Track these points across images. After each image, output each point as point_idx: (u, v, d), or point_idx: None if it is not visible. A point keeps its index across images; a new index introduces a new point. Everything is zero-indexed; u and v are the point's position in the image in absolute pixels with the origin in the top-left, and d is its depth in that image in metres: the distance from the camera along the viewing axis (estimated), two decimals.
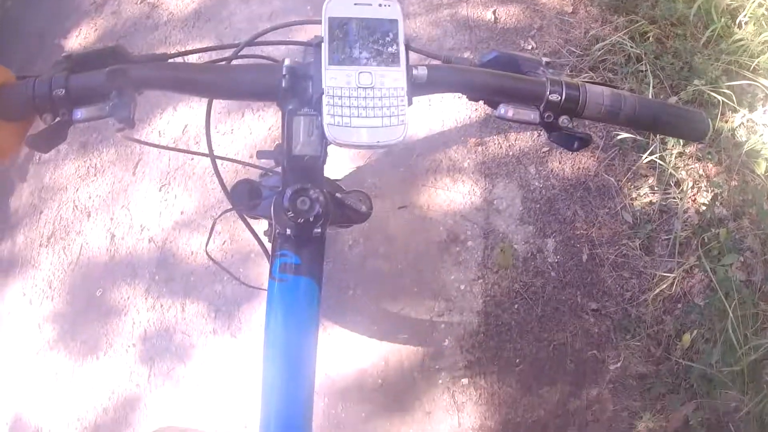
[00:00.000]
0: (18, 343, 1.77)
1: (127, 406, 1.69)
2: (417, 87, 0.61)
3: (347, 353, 1.56)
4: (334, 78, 0.57)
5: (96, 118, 0.59)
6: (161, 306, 1.68)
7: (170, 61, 0.66)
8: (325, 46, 0.58)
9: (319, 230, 0.68)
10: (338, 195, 0.82)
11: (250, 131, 1.71)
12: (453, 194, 1.58)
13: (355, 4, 0.59)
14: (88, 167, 1.81)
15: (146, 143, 0.79)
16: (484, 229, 1.58)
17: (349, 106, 0.57)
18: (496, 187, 1.60)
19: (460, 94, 0.67)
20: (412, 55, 0.62)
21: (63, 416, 1.72)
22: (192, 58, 0.81)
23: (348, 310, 1.57)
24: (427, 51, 0.73)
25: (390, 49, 0.59)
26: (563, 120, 0.63)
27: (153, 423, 1.67)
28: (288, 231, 0.67)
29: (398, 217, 1.57)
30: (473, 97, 0.68)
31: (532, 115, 0.63)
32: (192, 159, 1.72)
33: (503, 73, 0.64)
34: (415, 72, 0.60)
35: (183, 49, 0.75)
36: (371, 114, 0.57)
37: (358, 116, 0.57)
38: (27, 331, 1.76)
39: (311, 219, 0.65)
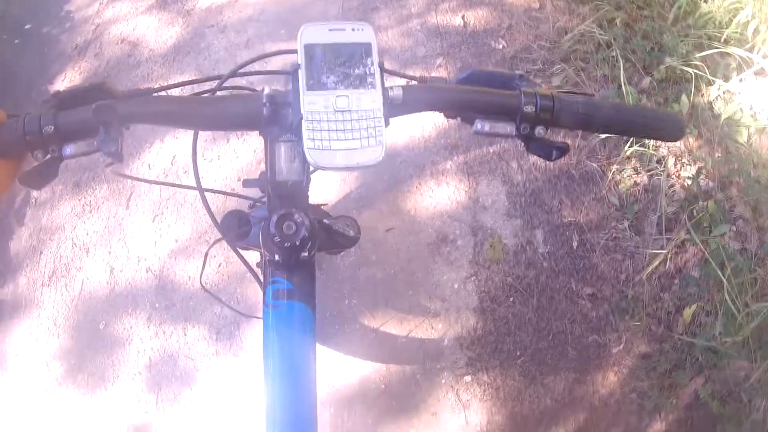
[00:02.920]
0: (27, 383, 1.80)
1: None
2: (393, 108, 0.62)
3: (348, 362, 1.58)
4: (312, 103, 0.58)
5: (85, 153, 0.60)
6: (163, 333, 1.71)
7: (155, 95, 0.67)
8: (302, 73, 0.59)
9: (307, 254, 0.69)
10: (325, 221, 0.83)
11: (236, 155, 1.75)
12: (438, 196, 1.61)
13: (330, 30, 0.61)
14: (83, 205, 1.85)
15: (136, 178, 0.82)
16: (472, 226, 1.60)
17: (328, 130, 0.58)
18: (480, 185, 1.62)
19: (436, 113, 0.68)
20: (389, 78, 0.64)
21: None
22: (176, 92, 0.82)
23: (345, 319, 1.59)
24: (402, 73, 0.74)
25: (365, 72, 0.60)
26: (539, 131, 0.63)
27: None
28: (277, 257, 0.69)
29: (387, 222, 1.60)
30: (450, 115, 0.69)
31: (509, 128, 0.64)
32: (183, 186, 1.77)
33: (477, 89, 0.65)
34: (390, 93, 0.61)
35: (166, 83, 0.77)
36: (350, 136, 0.58)
37: (337, 139, 0.57)
38: (35, 369, 1.80)
39: (298, 243, 0.66)
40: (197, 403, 1.66)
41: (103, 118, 0.57)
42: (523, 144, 0.66)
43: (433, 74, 1.80)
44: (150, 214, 1.78)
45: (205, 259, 1.10)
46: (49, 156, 0.59)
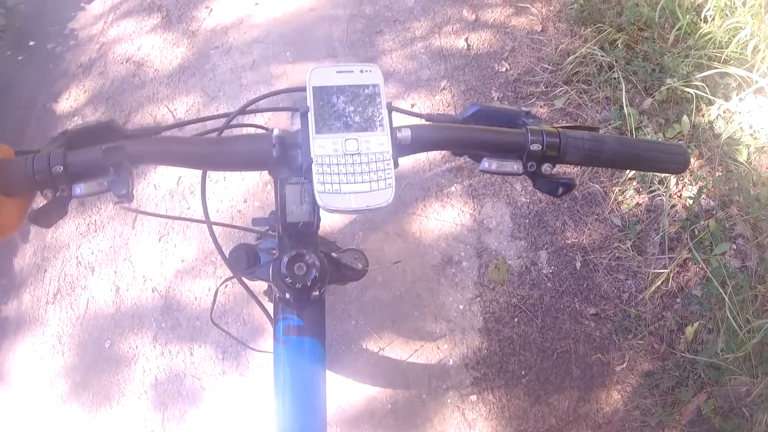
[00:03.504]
0: (31, 400, 1.81)
1: None
2: (402, 148, 0.62)
3: (355, 382, 1.60)
4: (321, 146, 0.58)
5: (95, 193, 0.60)
6: (169, 352, 1.72)
7: (164, 134, 0.68)
8: (311, 116, 0.59)
9: (318, 293, 0.70)
10: (334, 254, 0.83)
11: (242, 177, 1.77)
12: (443, 218, 1.63)
13: (338, 72, 0.61)
14: (88, 224, 1.86)
15: (144, 213, 0.82)
16: (477, 248, 1.62)
17: (338, 173, 0.58)
18: (485, 207, 1.64)
19: (444, 151, 0.69)
20: (396, 116, 0.65)
21: None
22: (185, 128, 0.82)
23: (352, 340, 1.61)
24: (410, 111, 0.75)
25: (373, 113, 0.60)
26: (546, 168, 0.64)
27: None
28: (288, 295, 0.69)
29: (393, 244, 1.61)
30: (457, 153, 0.70)
31: (516, 166, 0.64)
32: (188, 208, 1.78)
33: (484, 127, 0.66)
34: (399, 135, 0.61)
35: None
36: (359, 179, 0.58)
37: (347, 182, 0.57)
38: (39, 387, 1.80)
39: (309, 283, 0.67)
40: (203, 423, 1.67)
41: (113, 160, 0.58)
42: (529, 180, 0.67)
43: (437, 97, 1.82)
44: (156, 234, 1.79)
45: (215, 297, 1.10)
46: (58, 195, 0.59)
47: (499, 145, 0.64)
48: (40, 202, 0.61)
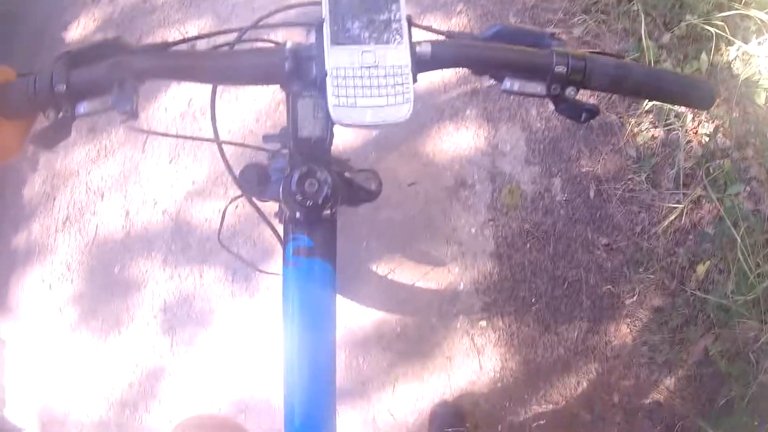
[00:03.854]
0: (41, 329, 1.79)
1: (152, 378, 1.72)
2: (421, 64, 0.59)
3: (365, 304, 1.58)
4: (337, 59, 0.56)
5: (99, 111, 0.58)
6: (179, 275, 1.70)
7: (172, 49, 0.65)
8: (326, 27, 0.57)
9: (329, 212, 0.67)
10: (347, 174, 0.80)
11: (254, 98, 1.74)
12: (458, 141, 1.60)
13: None
14: (98, 150, 1.84)
15: (152, 132, 0.79)
16: (491, 171, 1.60)
17: (354, 86, 0.56)
18: (500, 131, 1.62)
19: (464, 69, 0.66)
20: (416, 32, 0.61)
21: (89, 397, 1.74)
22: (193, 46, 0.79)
23: (362, 262, 1.59)
24: (430, 27, 0.72)
25: (392, 26, 0.58)
26: (570, 92, 0.62)
27: (178, 392, 1.69)
28: (298, 214, 0.67)
29: (406, 165, 1.59)
30: (478, 72, 0.67)
31: (539, 87, 0.62)
32: (200, 130, 1.75)
33: (508, 46, 0.63)
34: (418, 49, 0.59)
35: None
36: (376, 93, 0.56)
37: (362, 96, 0.56)
38: (49, 315, 1.78)
39: (320, 201, 0.64)
40: (212, 346, 1.66)
41: (118, 75, 0.56)
42: (551, 103, 0.64)
43: (453, 20, 1.79)
44: (167, 157, 1.76)
45: (223, 217, 1.09)
46: (61, 115, 0.57)
47: (523, 65, 0.62)
48: (43, 124, 0.58)
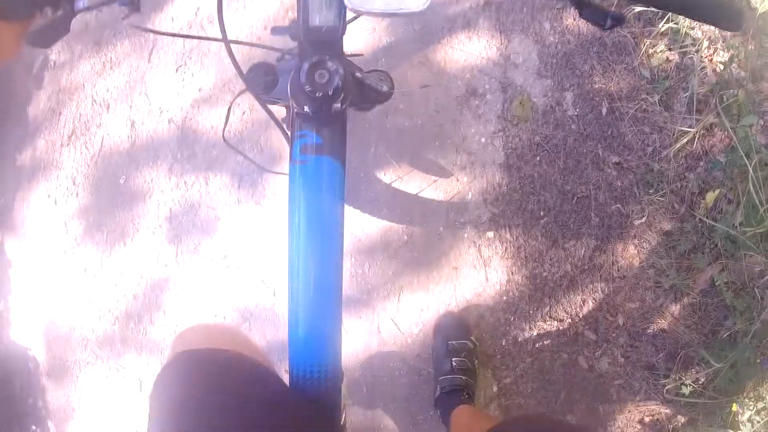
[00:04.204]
0: (46, 245, 1.78)
1: (157, 289, 1.71)
2: None
3: (372, 211, 1.57)
4: None
5: (99, 4, 0.56)
6: (185, 183, 1.69)
7: None
8: None
9: (339, 106, 0.64)
10: (358, 74, 0.78)
11: (262, 3, 1.72)
12: (469, 50, 1.59)
13: None
14: (103, 62, 1.83)
15: (155, 32, 0.75)
16: (502, 82, 1.59)
17: None
18: (512, 43, 1.60)
19: None
20: None
21: (93, 312, 1.74)
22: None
23: (370, 168, 1.58)
24: None
25: None
26: None
27: (182, 302, 1.69)
28: (306, 108, 0.64)
29: (417, 72, 1.58)
30: None
31: None
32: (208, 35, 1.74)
33: None
34: None
35: None
36: None
37: None
38: (54, 231, 1.77)
39: (330, 93, 0.62)
40: (218, 254, 1.66)
41: None
42: (574, 9, 0.61)
43: None
44: (173, 66, 1.74)
45: (229, 113, 1.07)
46: (60, 12, 0.55)
47: None
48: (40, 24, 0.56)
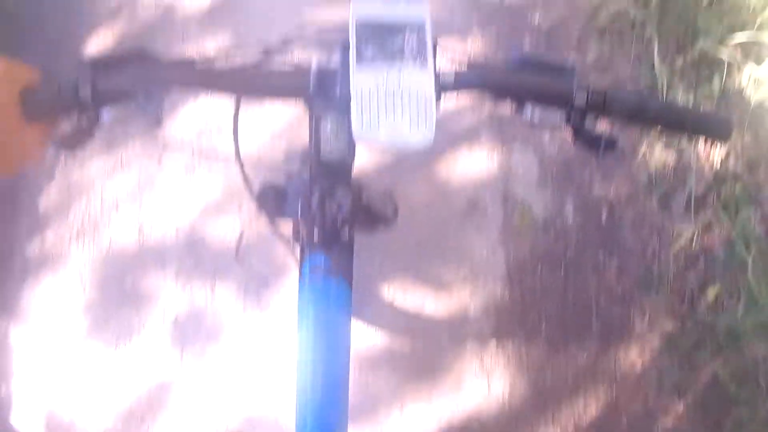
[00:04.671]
0: (51, 337, 1.80)
1: (161, 389, 1.72)
2: (445, 86, 0.60)
3: (375, 322, 1.60)
4: (362, 80, 0.56)
5: (124, 117, 0.59)
6: (191, 289, 1.71)
7: (197, 60, 0.65)
8: (352, 47, 0.57)
9: (348, 233, 0.68)
10: (364, 198, 0.79)
11: (270, 117, 1.76)
12: (471, 162, 1.62)
13: (383, 3, 0.59)
14: (114, 162, 1.86)
15: (174, 148, 0.78)
16: (503, 195, 1.62)
17: (378, 108, 0.55)
18: (513, 154, 1.63)
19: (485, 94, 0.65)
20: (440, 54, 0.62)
21: (96, 406, 1.75)
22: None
23: (372, 281, 1.60)
24: (454, 50, 0.71)
25: (418, 49, 0.58)
26: (589, 122, 0.62)
27: (186, 405, 1.70)
28: (316, 233, 0.67)
29: (418, 186, 1.61)
30: (499, 97, 0.67)
31: (558, 116, 0.63)
32: (217, 147, 1.78)
33: (529, 73, 0.64)
34: (442, 72, 0.60)
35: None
36: (400, 116, 0.56)
37: (386, 118, 0.55)
38: (59, 323, 1.79)
39: (340, 222, 0.65)
40: (223, 359, 1.67)
41: (145, 82, 0.57)
42: (570, 134, 0.64)
43: (468, 42, 1.81)
44: (182, 171, 1.78)
45: (241, 237, 1.09)
46: (85, 119, 0.57)
47: (544, 91, 0.62)
48: (65, 127, 0.59)
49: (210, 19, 1.99)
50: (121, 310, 1.78)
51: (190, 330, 1.70)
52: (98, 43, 2.14)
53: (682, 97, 1.78)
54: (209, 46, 1.90)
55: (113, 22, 2.15)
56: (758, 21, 1.86)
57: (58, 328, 1.82)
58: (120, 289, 1.79)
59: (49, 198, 1.94)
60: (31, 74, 0.58)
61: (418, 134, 0.56)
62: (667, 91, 1.78)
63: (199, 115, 1.81)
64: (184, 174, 1.78)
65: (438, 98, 0.58)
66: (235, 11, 2.04)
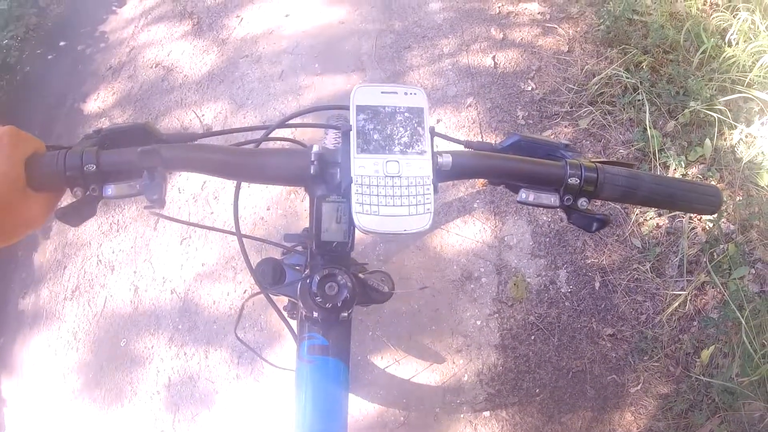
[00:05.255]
0: (43, 394, 1.82)
1: None
2: (442, 174, 0.62)
3: (369, 393, 1.61)
4: (362, 167, 0.57)
5: (126, 195, 0.59)
6: (185, 354, 1.74)
7: (200, 141, 0.66)
8: (353, 135, 0.58)
9: (346, 314, 0.70)
10: (361, 275, 0.82)
11: (266, 186, 1.79)
12: (465, 234, 1.64)
13: (382, 92, 0.61)
14: (110, 224, 1.89)
15: (174, 219, 0.79)
16: (497, 265, 1.64)
17: (377, 195, 0.57)
18: (506, 224, 1.65)
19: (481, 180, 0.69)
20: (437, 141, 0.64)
21: None
22: (220, 139, 0.81)
23: (368, 351, 1.62)
24: (451, 137, 0.75)
25: (416, 137, 0.60)
26: (582, 202, 0.64)
27: None
28: (315, 314, 0.69)
29: (414, 258, 1.63)
30: (495, 182, 0.69)
31: (552, 198, 0.65)
32: (212, 213, 1.80)
33: (524, 158, 0.66)
34: (440, 159, 0.61)
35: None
36: (398, 203, 0.57)
37: (385, 205, 0.57)
38: (52, 381, 1.82)
39: (339, 304, 0.67)
40: (215, 426, 1.69)
41: (148, 163, 0.57)
42: (563, 213, 0.67)
43: (463, 113, 1.83)
44: (178, 237, 1.81)
45: (241, 312, 1.12)
46: (88, 194, 0.58)
47: (538, 176, 0.64)
48: (67, 199, 0.60)
49: (208, 85, 2.03)
50: (115, 371, 1.80)
51: (182, 395, 1.72)
52: (98, 101, 2.19)
53: (674, 159, 1.80)
54: (206, 112, 1.92)
55: (113, 82, 2.19)
56: (747, 79, 1.89)
57: (50, 385, 1.84)
58: (114, 350, 1.82)
59: (45, 255, 1.98)
60: (38, 144, 0.58)
61: (417, 221, 0.58)
62: (659, 153, 1.80)
63: (195, 181, 1.83)
64: (180, 239, 1.81)
65: (436, 186, 0.59)
66: (232, 79, 2.08)
